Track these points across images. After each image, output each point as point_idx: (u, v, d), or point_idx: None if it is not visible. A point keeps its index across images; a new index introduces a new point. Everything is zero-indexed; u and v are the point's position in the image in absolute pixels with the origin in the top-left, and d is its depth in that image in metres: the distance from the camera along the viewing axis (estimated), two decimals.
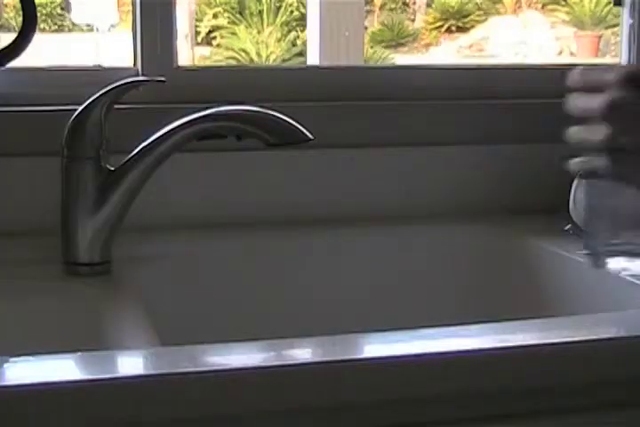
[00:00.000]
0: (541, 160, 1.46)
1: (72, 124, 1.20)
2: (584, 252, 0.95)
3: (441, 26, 8.97)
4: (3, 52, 1.19)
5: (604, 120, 0.80)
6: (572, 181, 1.26)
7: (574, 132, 0.83)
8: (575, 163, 0.84)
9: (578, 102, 0.82)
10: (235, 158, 1.40)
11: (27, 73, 1.42)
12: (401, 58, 7.34)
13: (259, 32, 7.09)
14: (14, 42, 1.19)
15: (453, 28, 8.97)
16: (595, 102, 0.80)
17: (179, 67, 1.49)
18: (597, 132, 0.81)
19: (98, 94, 1.20)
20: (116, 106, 1.24)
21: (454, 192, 1.49)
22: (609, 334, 0.97)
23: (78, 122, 1.20)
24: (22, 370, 0.86)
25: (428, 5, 9.19)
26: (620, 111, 0.79)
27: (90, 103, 1.20)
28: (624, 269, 1.00)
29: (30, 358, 0.87)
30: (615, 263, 0.97)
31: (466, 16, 9.01)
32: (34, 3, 1.20)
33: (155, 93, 1.42)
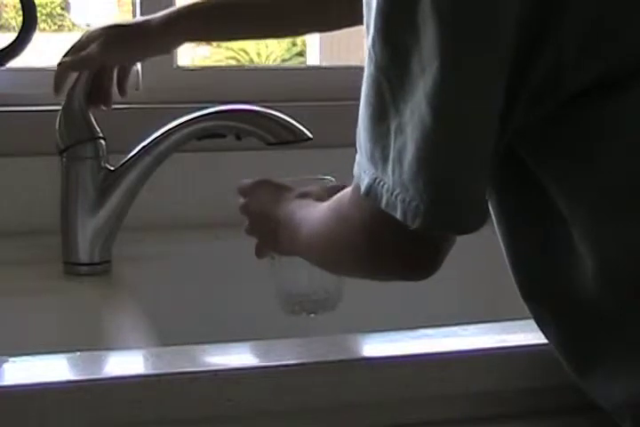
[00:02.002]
0: None
1: (59, 117, 1.21)
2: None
3: None
4: (3, 52, 1.19)
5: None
6: None
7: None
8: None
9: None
10: (235, 158, 1.40)
11: (27, 73, 1.42)
12: None
13: None
14: (14, 42, 1.19)
15: None
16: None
17: (179, 67, 1.49)
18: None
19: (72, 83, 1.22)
20: (116, 106, 1.24)
21: None
22: None
23: (64, 113, 1.21)
24: (22, 370, 0.86)
25: None
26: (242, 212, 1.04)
27: (68, 94, 1.21)
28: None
29: (30, 358, 0.87)
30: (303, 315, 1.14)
31: None
32: (34, 3, 1.20)
33: (155, 93, 1.42)
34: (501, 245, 0.86)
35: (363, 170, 0.77)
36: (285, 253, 1.02)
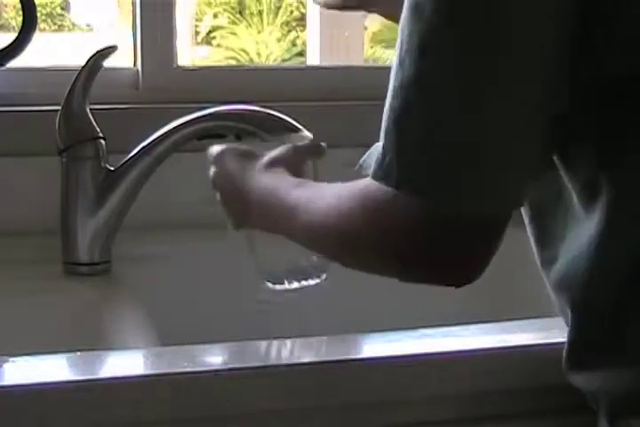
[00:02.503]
0: None
1: (59, 117, 1.21)
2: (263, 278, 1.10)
3: None
4: (3, 52, 1.19)
5: None
6: None
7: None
8: None
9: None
10: None
11: (27, 73, 1.42)
12: None
13: (259, 32, 7.10)
14: (14, 42, 1.19)
15: None
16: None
17: (179, 67, 1.49)
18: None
19: (72, 82, 1.21)
20: (117, 106, 1.24)
21: None
22: None
23: (64, 113, 1.21)
24: (22, 370, 0.86)
25: None
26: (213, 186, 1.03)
27: (68, 94, 1.21)
28: (302, 287, 1.11)
29: (30, 358, 0.87)
30: (292, 285, 1.10)
31: None
32: (34, 3, 1.20)
33: (155, 93, 1.42)
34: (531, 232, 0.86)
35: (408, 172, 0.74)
36: (261, 229, 0.99)
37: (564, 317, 0.84)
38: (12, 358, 0.86)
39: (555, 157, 0.79)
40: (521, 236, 1.38)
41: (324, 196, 0.86)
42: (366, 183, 0.78)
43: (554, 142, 0.76)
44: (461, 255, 0.78)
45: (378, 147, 0.77)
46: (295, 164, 0.98)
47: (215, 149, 1.04)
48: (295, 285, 1.10)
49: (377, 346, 0.96)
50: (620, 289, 0.77)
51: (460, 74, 0.72)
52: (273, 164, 0.97)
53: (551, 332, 0.95)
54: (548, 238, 0.84)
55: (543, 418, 0.93)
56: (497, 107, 0.72)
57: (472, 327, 0.97)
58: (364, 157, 0.79)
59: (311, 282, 1.11)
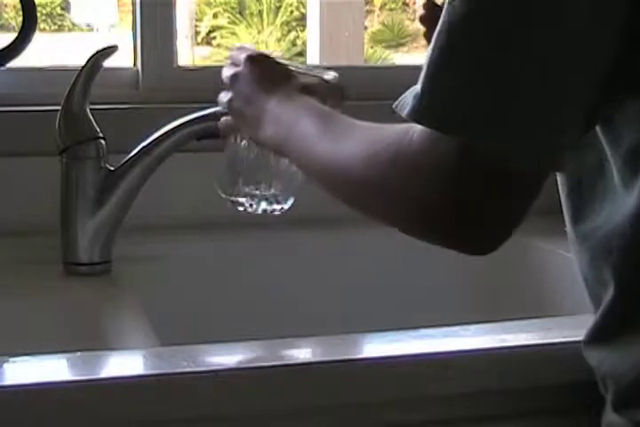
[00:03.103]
0: None
1: (59, 117, 1.21)
2: (227, 198, 1.09)
3: None
4: (3, 52, 1.19)
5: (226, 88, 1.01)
6: None
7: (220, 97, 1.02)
8: (220, 122, 1.05)
9: (223, 73, 1.02)
10: None
11: (26, 73, 1.42)
12: (401, 58, 7.33)
13: (259, 32, 7.10)
14: (14, 42, 1.19)
15: None
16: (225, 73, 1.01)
17: (179, 67, 1.48)
18: (223, 98, 1.01)
19: (72, 82, 1.21)
20: (117, 106, 1.24)
21: None
22: None
23: (64, 113, 1.21)
24: (22, 370, 0.86)
25: None
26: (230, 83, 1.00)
27: (68, 94, 1.21)
28: (264, 211, 1.09)
29: (30, 358, 0.87)
30: (258, 207, 1.08)
31: None
32: (34, 3, 1.20)
33: (155, 93, 1.42)
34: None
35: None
36: (263, 145, 0.97)
37: (593, 300, 0.83)
38: (12, 358, 0.86)
39: (599, 127, 0.78)
40: (521, 238, 1.38)
41: (358, 130, 0.84)
42: (403, 127, 0.76)
43: (598, 107, 0.75)
44: (486, 209, 0.74)
45: (414, 89, 0.76)
46: (322, 99, 0.96)
47: (240, 48, 1.01)
48: (255, 208, 1.09)
49: (377, 346, 0.96)
50: None
51: (509, 14, 0.71)
52: (307, 90, 0.96)
53: (551, 332, 0.95)
54: (584, 213, 0.83)
55: (543, 418, 0.93)
56: (546, 55, 0.71)
57: (472, 327, 0.97)
58: (399, 100, 0.78)
59: (266, 207, 1.09)
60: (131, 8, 1.48)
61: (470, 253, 0.79)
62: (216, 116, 1.21)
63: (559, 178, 0.85)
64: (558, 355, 0.90)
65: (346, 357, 0.90)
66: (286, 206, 1.09)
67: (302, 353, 0.94)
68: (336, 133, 0.86)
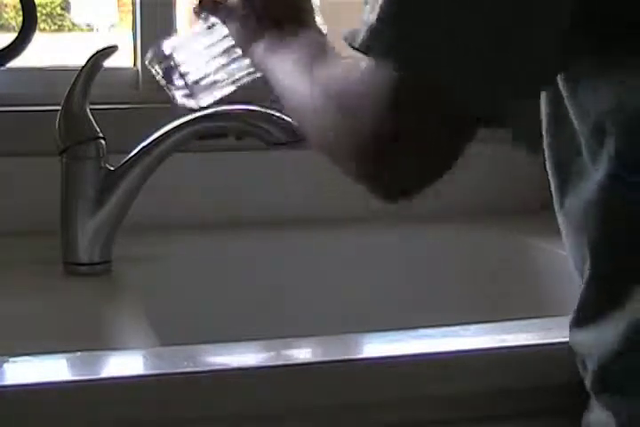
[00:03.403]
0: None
1: (59, 117, 1.21)
2: (151, 64, 1.08)
3: None
4: (3, 52, 1.19)
5: None
6: None
7: None
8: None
9: None
10: (235, 158, 1.40)
11: (26, 73, 1.42)
12: None
13: None
14: (14, 42, 1.19)
15: None
16: None
17: None
18: None
19: (72, 82, 1.21)
20: (117, 106, 1.24)
21: (453, 192, 1.48)
22: None
23: (64, 113, 1.20)
24: (22, 370, 0.86)
25: None
26: None
27: (68, 94, 1.21)
28: (173, 96, 1.09)
29: (30, 358, 0.87)
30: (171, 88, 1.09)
31: None
32: (34, 3, 1.20)
33: (155, 93, 1.42)
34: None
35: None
36: (244, 51, 1.00)
37: (579, 275, 0.83)
38: (12, 358, 0.86)
39: (567, 101, 0.78)
40: (521, 238, 1.38)
41: (333, 65, 0.86)
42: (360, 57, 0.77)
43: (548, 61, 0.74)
44: (417, 145, 0.75)
45: (366, 22, 0.77)
46: None
47: None
48: (167, 86, 1.09)
49: (377, 346, 0.96)
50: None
51: None
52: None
53: (551, 332, 0.95)
54: (565, 191, 0.83)
55: (543, 418, 0.93)
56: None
57: (472, 327, 0.97)
58: (348, 32, 0.79)
59: (183, 99, 1.09)
60: (131, 8, 1.48)
61: (382, 193, 0.79)
62: (216, 116, 1.21)
63: (547, 163, 0.85)
64: (558, 355, 0.90)
65: (346, 357, 0.90)
66: (194, 105, 1.09)
67: (302, 353, 0.94)
68: (317, 67, 0.88)
